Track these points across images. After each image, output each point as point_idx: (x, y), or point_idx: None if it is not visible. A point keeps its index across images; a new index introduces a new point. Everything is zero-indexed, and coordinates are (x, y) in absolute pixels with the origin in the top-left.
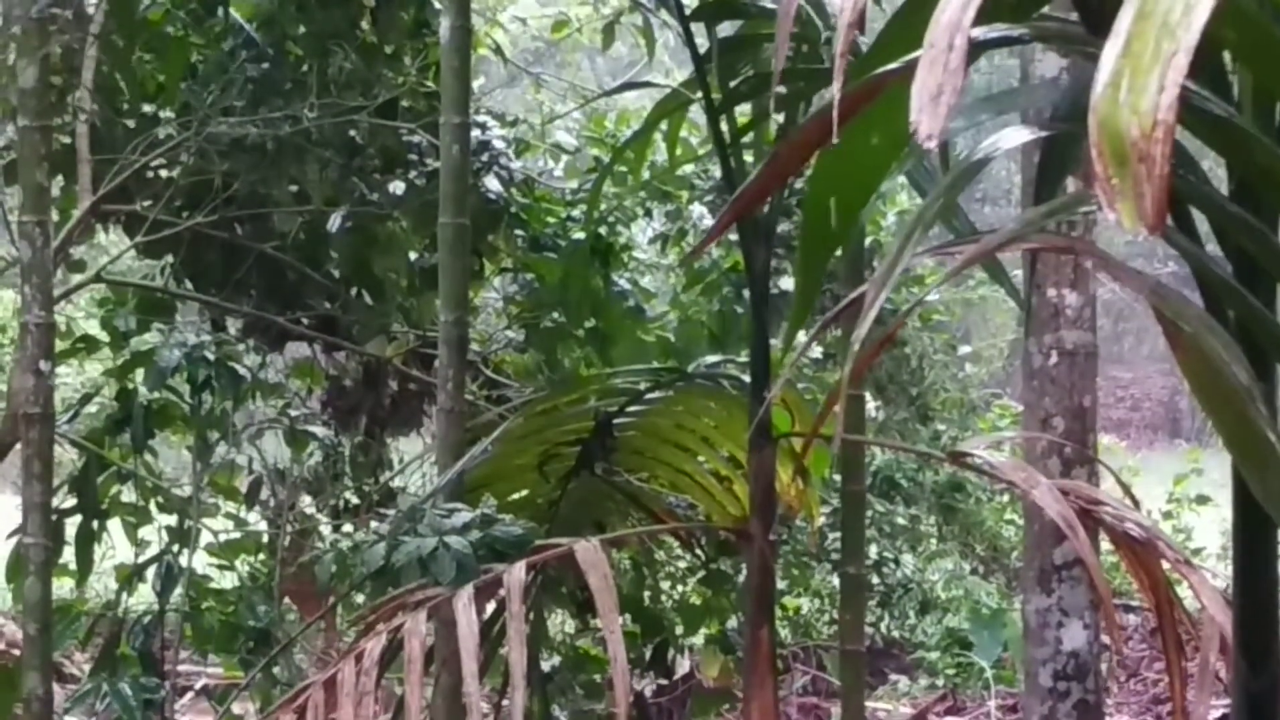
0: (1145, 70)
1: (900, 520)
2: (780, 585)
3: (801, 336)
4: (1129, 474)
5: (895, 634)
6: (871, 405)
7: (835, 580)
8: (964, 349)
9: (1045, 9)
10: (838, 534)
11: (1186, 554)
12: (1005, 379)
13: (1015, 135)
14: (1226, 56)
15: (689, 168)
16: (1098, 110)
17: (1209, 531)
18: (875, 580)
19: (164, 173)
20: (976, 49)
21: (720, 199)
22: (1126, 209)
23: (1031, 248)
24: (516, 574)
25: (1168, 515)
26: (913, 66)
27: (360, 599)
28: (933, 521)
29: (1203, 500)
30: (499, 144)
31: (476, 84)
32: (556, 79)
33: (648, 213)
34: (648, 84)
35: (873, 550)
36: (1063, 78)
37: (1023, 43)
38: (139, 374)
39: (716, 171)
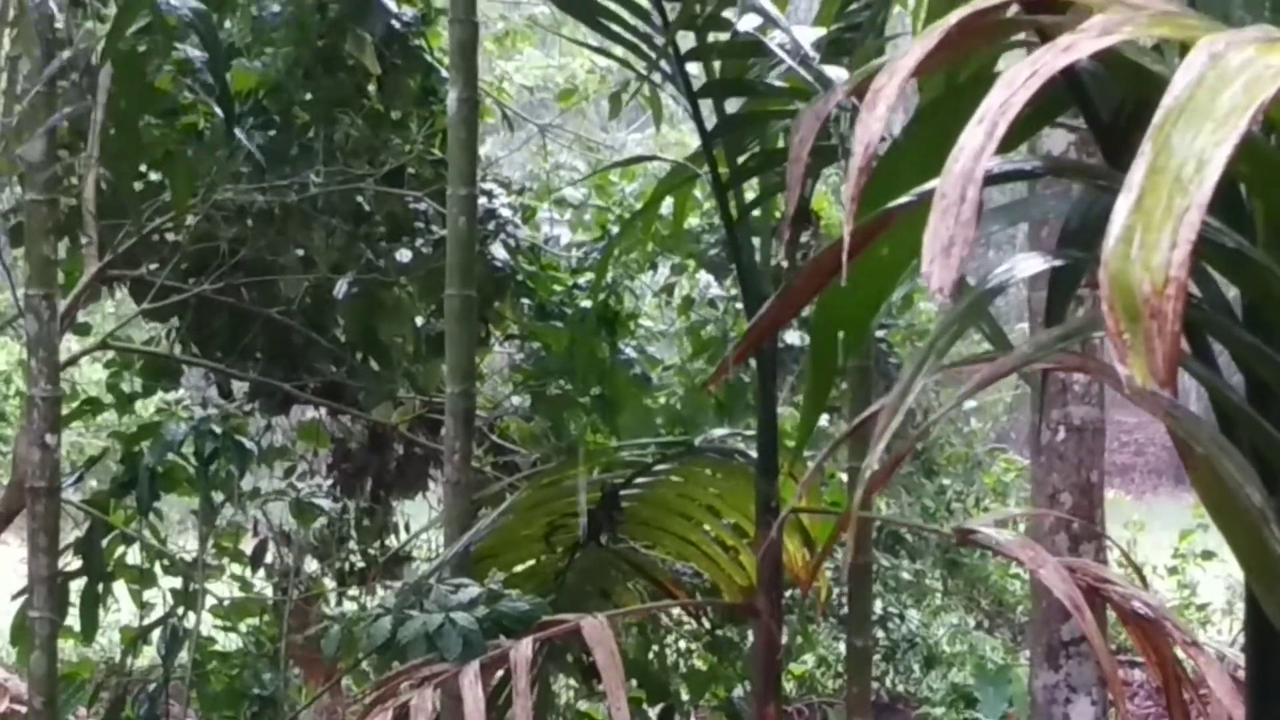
0: (1157, 226)
1: (905, 575)
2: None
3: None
4: (1134, 528)
5: (901, 689)
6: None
7: (841, 647)
8: (968, 404)
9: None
10: (843, 588)
11: (1193, 634)
12: (1009, 425)
13: (1029, 264)
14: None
15: (693, 220)
16: (1109, 264)
17: (1215, 586)
18: (880, 635)
19: (170, 236)
20: (988, 181)
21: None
22: (1137, 364)
23: (1045, 368)
24: (523, 650)
25: (1173, 571)
26: (924, 199)
27: (367, 666)
28: (938, 576)
29: (1208, 556)
30: (505, 212)
31: (483, 150)
32: (562, 130)
33: (652, 265)
34: (654, 158)
35: (878, 605)
36: (1072, 156)
37: (1035, 176)
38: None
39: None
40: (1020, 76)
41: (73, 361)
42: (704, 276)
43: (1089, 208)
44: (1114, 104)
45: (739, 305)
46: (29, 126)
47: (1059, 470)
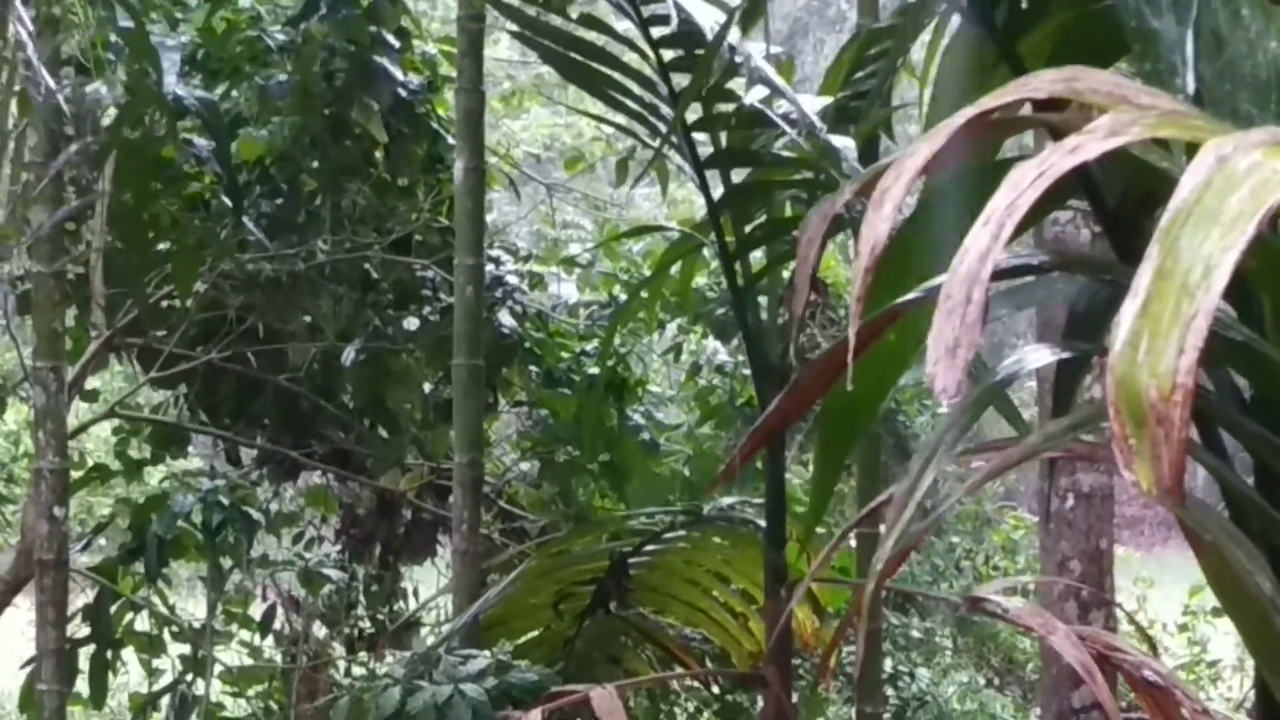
0: (1165, 332)
1: (915, 633)
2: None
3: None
4: (1143, 584)
5: None
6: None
7: (852, 712)
8: (977, 460)
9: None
10: (853, 648)
11: (1204, 701)
12: (1017, 481)
13: (1037, 355)
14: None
15: (700, 280)
16: (1116, 369)
17: (1225, 643)
18: (890, 694)
19: (178, 303)
20: (994, 276)
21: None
22: (1143, 471)
23: (1054, 456)
24: None
25: (1183, 628)
26: (931, 294)
27: None
28: (947, 634)
29: (1218, 613)
30: (513, 279)
31: (490, 217)
32: (570, 188)
33: (660, 325)
34: (661, 227)
35: (887, 664)
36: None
37: (1042, 271)
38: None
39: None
40: (1027, 177)
41: (81, 430)
42: (711, 342)
43: (1094, 295)
44: (1120, 192)
45: (746, 371)
46: (38, 201)
47: (1068, 538)
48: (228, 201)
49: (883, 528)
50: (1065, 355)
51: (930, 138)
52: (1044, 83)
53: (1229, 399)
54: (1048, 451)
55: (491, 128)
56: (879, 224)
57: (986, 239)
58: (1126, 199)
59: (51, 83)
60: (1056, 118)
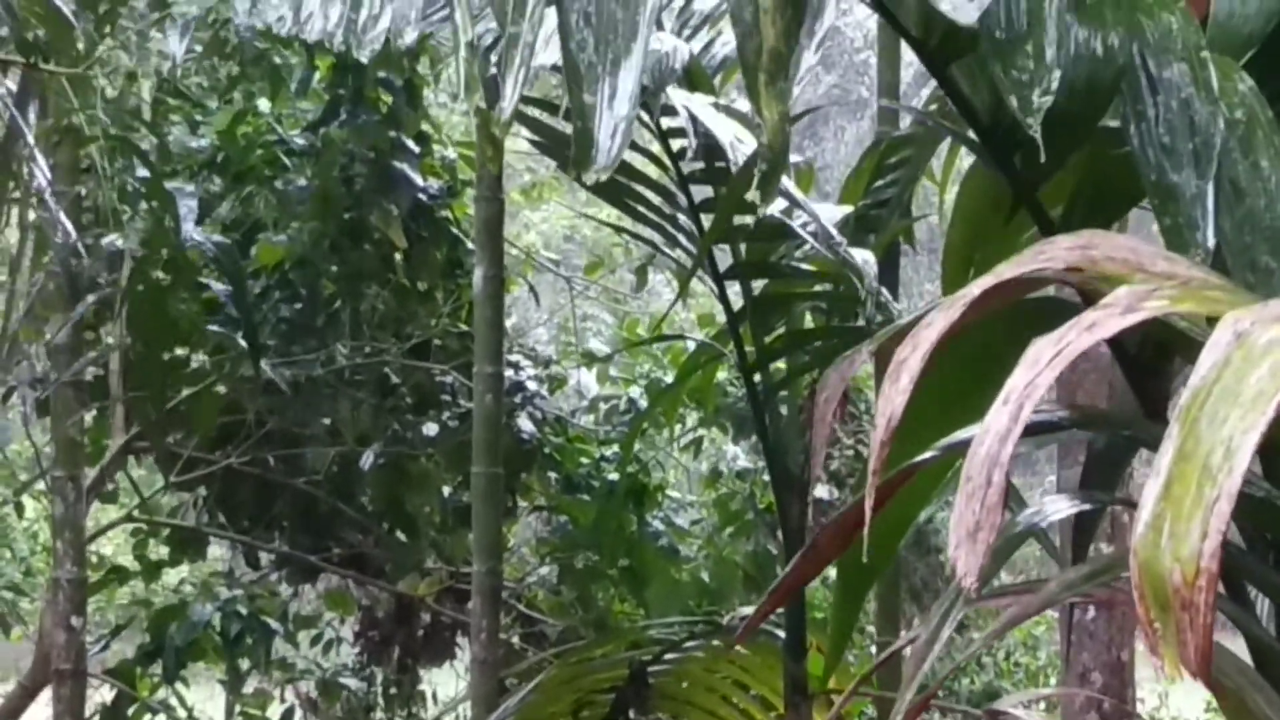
0: (1187, 515)
1: None
2: None
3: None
4: (1164, 682)
5: None
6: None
7: None
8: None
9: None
10: None
11: None
12: (1038, 571)
13: (1056, 506)
14: None
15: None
16: (1139, 553)
17: None
18: None
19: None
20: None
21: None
22: (1169, 655)
23: (1073, 600)
24: None
25: None
26: (949, 452)
27: None
28: None
29: None
30: (532, 385)
31: (510, 321)
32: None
33: (680, 420)
34: (681, 337)
35: None
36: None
37: (1063, 428)
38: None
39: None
40: (1045, 356)
41: (99, 535)
42: (731, 447)
43: (1110, 442)
44: (1139, 338)
45: (766, 477)
46: (55, 310)
47: (1089, 649)
48: (244, 343)
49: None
50: (1085, 507)
51: (948, 307)
52: (1060, 250)
53: (1253, 548)
54: (1067, 599)
55: (510, 217)
56: (895, 396)
57: (1006, 420)
58: (1146, 345)
59: (70, 227)
60: (1077, 278)
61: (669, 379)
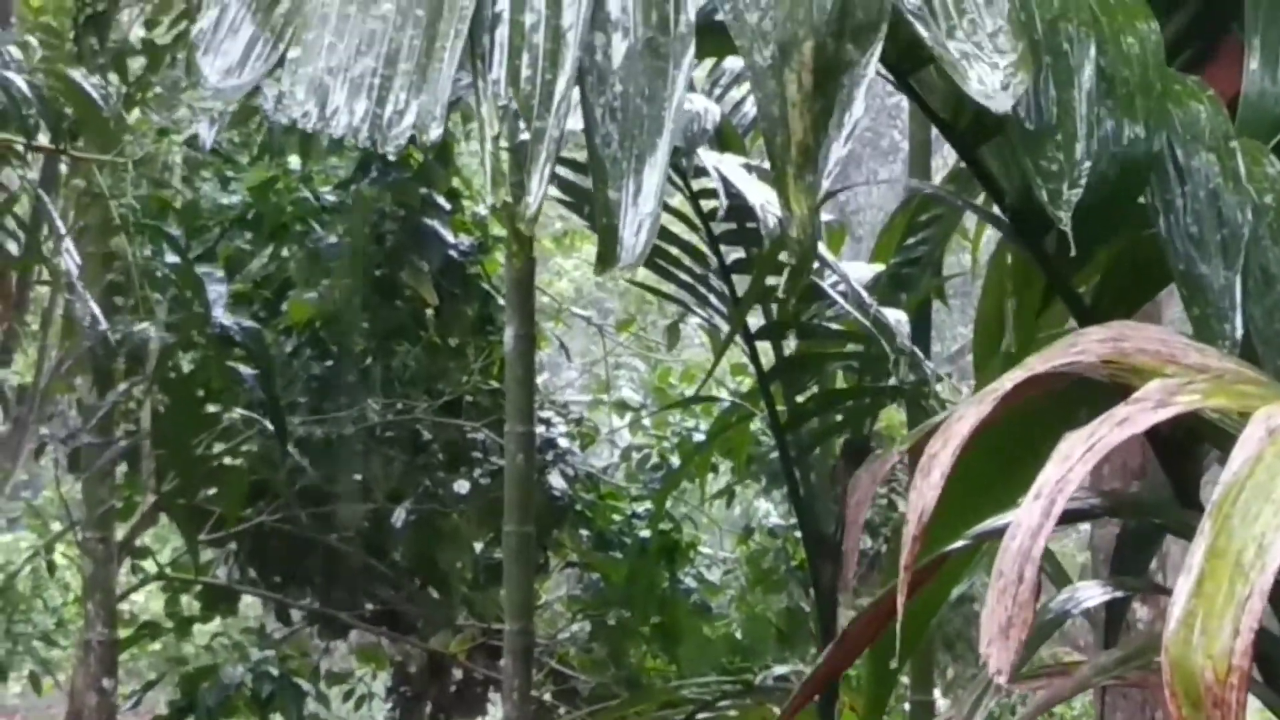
0: (1219, 613)
1: None
2: None
3: None
4: None
5: None
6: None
7: None
8: None
9: None
10: None
11: None
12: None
13: (1088, 593)
14: None
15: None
16: (1170, 650)
17: None
18: None
19: (228, 460)
20: None
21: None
22: None
23: (1106, 684)
24: None
25: None
26: (981, 540)
27: None
28: None
29: None
30: (563, 442)
31: (541, 378)
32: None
33: (713, 468)
34: (712, 399)
35: None
36: None
37: (1095, 516)
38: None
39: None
40: (1077, 451)
41: (130, 593)
42: (763, 504)
43: (1139, 528)
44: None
45: (798, 534)
46: (84, 372)
47: (1123, 710)
48: (270, 425)
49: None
50: (1117, 595)
51: (979, 402)
52: (1092, 343)
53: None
54: (1099, 683)
55: (542, 264)
56: (927, 491)
57: (1038, 515)
58: (1178, 427)
59: (99, 313)
60: (1106, 371)
61: (701, 426)
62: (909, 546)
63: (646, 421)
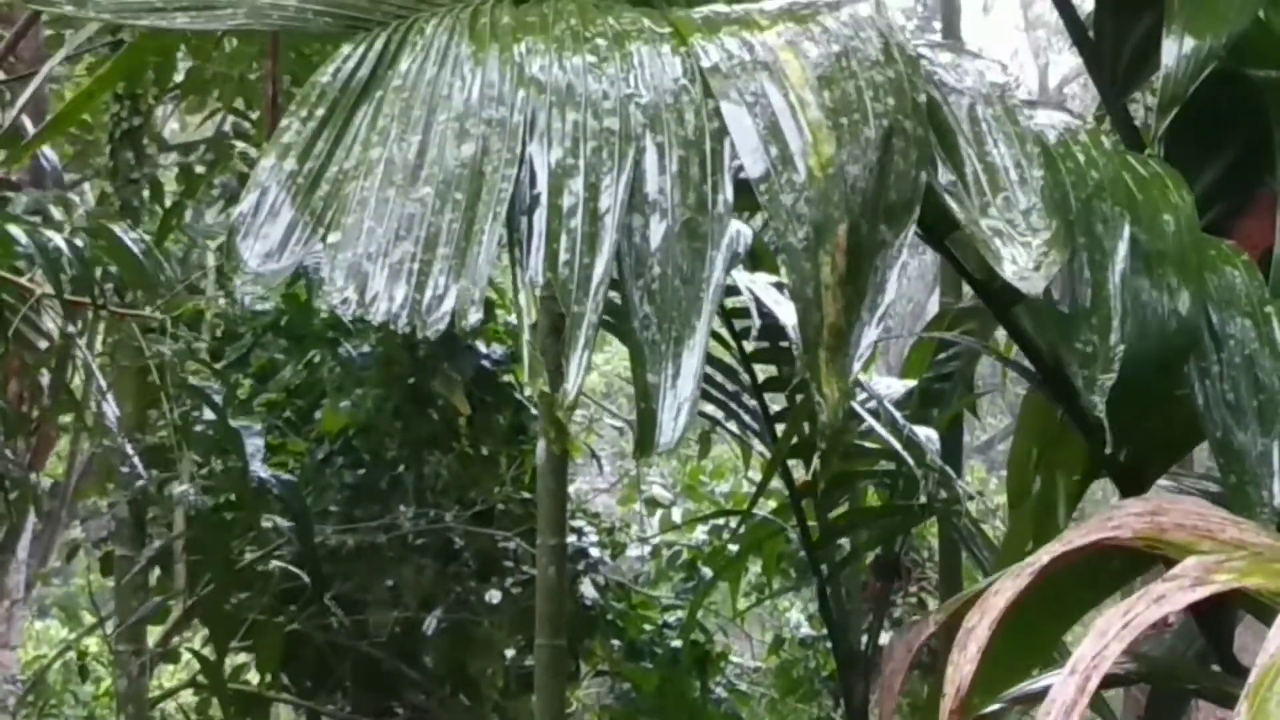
0: None
1: None
2: None
3: None
4: None
5: None
6: None
7: None
8: None
9: None
10: None
11: None
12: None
13: None
14: None
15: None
16: None
17: None
18: None
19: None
20: None
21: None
22: None
23: None
24: None
25: None
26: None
27: None
28: None
29: None
30: (595, 551)
31: (573, 488)
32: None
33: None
34: (743, 512)
35: None
36: None
37: (1129, 682)
38: None
39: None
40: (1113, 628)
41: (162, 700)
42: (794, 615)
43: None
44: None
45: (828, 644)
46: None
47: None
48: (305, 577)
49: None
50: None
51: (1015, 575)
52: (1129, 518)
53: None
54: None
55: None
56: (964, 665)
57: (1073, 692)
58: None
59: (140, 467)
60: (1143, 543)
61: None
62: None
63: (677, 517)
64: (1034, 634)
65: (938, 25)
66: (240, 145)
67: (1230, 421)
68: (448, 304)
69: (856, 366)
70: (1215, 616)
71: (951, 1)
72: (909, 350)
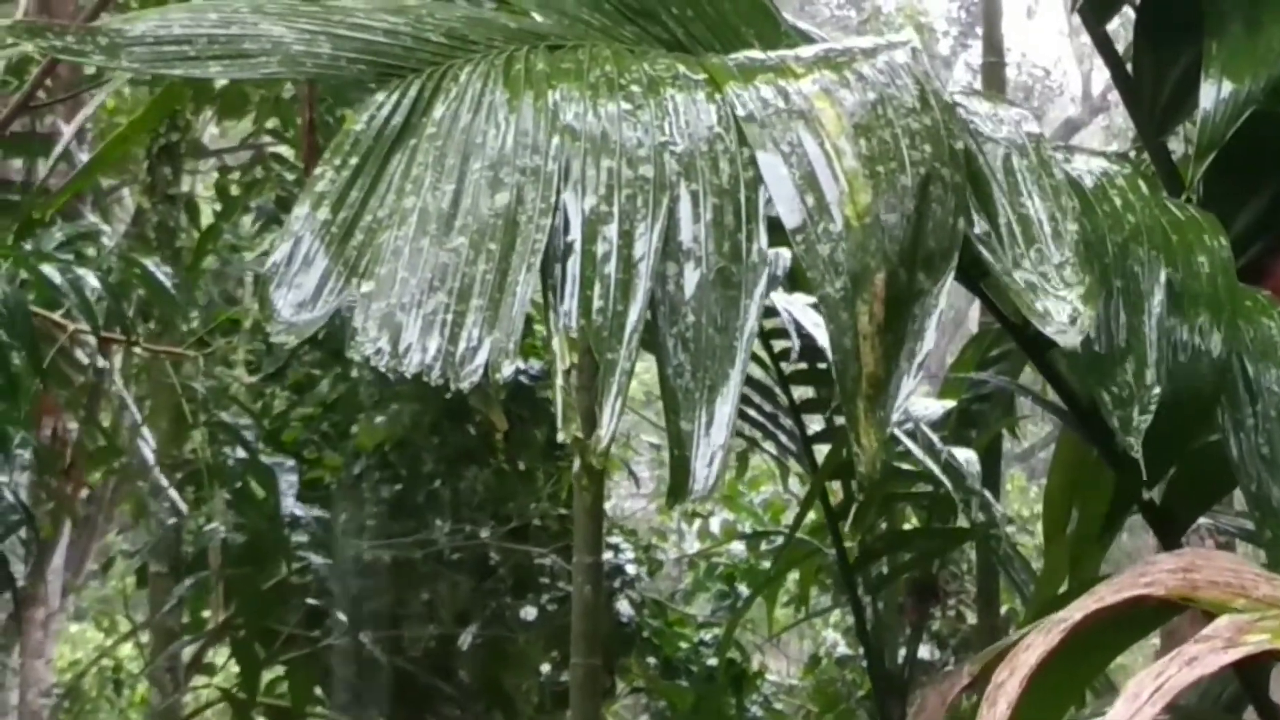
0: None
1: None
2: None
3: None
4: None
5: None
6: None
7: None
8: None
9: None
10: None
11: None
12: None
13: None
14: None
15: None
16: None
17: None
18: None
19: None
20: None
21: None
22: None
23: None
24: None
25: None
26: None
27: None
28: None
29: None
30: (631, 569)
31: (609, 504)
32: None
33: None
34: (778, 531)
35: None
36: None
37: None
38: None
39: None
40: (1145, 690)
41: (195, 715)
42: (830, 635)
43: None
44: None
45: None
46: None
47: None
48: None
49: None
50: None
51: (1046, 630)
52: (1162, 574)
53: None
54: None
55: None
56: None
57: None
58: None
59: (180, 501)
60: (1176, 599)
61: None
62: None
63: (715, 527)
64: (1065, 679)
65: (979, 31)
66: (276, 167)
67: (1265, 475)
68: (481, 356)
69: (895, 416)
70: (1250, 658)
71: (993, 6)
72: (949, 366)
